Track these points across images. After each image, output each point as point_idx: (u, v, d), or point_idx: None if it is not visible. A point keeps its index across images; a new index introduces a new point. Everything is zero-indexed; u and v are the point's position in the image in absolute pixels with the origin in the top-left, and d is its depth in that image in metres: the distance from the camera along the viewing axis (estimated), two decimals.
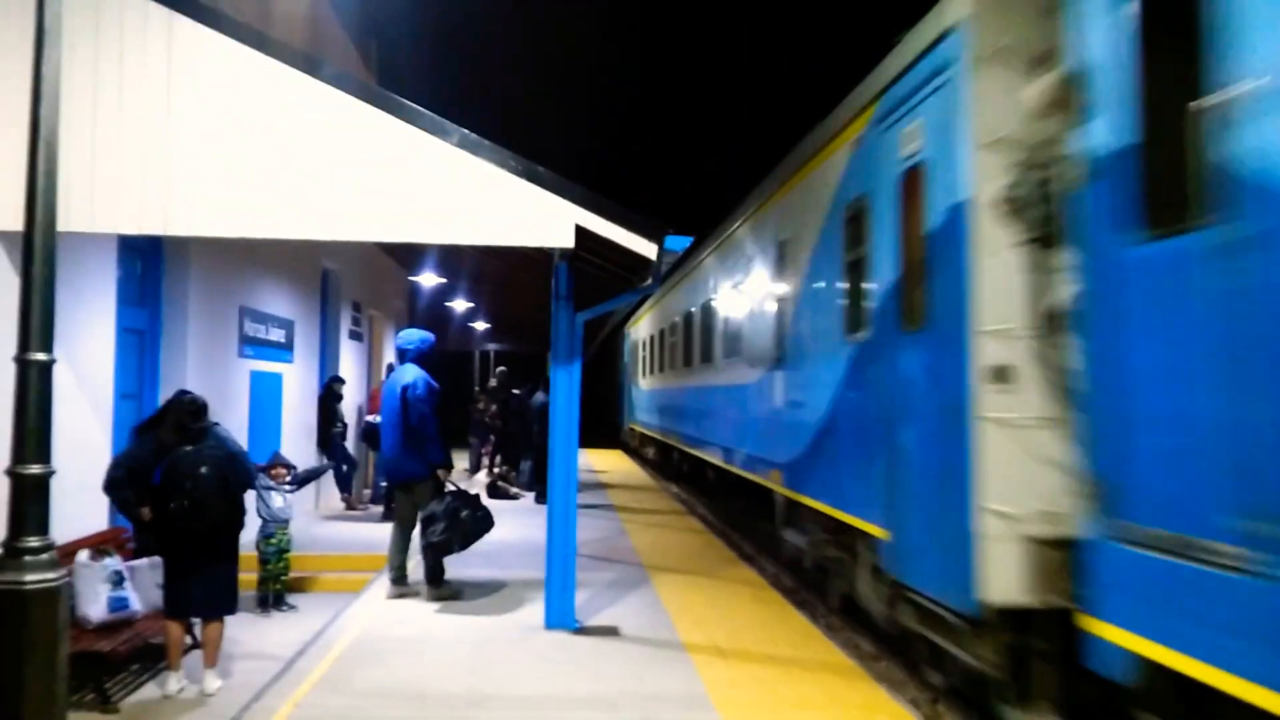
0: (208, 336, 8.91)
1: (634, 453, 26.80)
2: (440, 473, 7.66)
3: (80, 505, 6.47)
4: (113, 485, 6.23)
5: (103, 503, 6.68)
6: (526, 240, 6.17)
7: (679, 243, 14.94)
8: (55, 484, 4.79)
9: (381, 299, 16.58)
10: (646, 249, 6.26)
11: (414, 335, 7.98)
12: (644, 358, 19.87)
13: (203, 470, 5.80)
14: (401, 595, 7.64)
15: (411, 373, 7.80)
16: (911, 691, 6.41)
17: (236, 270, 9.65)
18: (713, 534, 11.50)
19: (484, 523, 7.50)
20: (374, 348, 16.52)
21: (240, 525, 6.21)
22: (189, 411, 5.99)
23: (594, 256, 7.26)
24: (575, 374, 6.80)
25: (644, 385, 19.70)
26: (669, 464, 18.33)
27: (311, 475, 8.39)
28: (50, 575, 4.64)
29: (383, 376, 15.69)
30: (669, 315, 16.05)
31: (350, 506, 12.81)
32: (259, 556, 8.03)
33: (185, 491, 5.74)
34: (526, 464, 15.68)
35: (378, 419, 12.07)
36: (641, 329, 20.60)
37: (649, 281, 6.84)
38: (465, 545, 7.53)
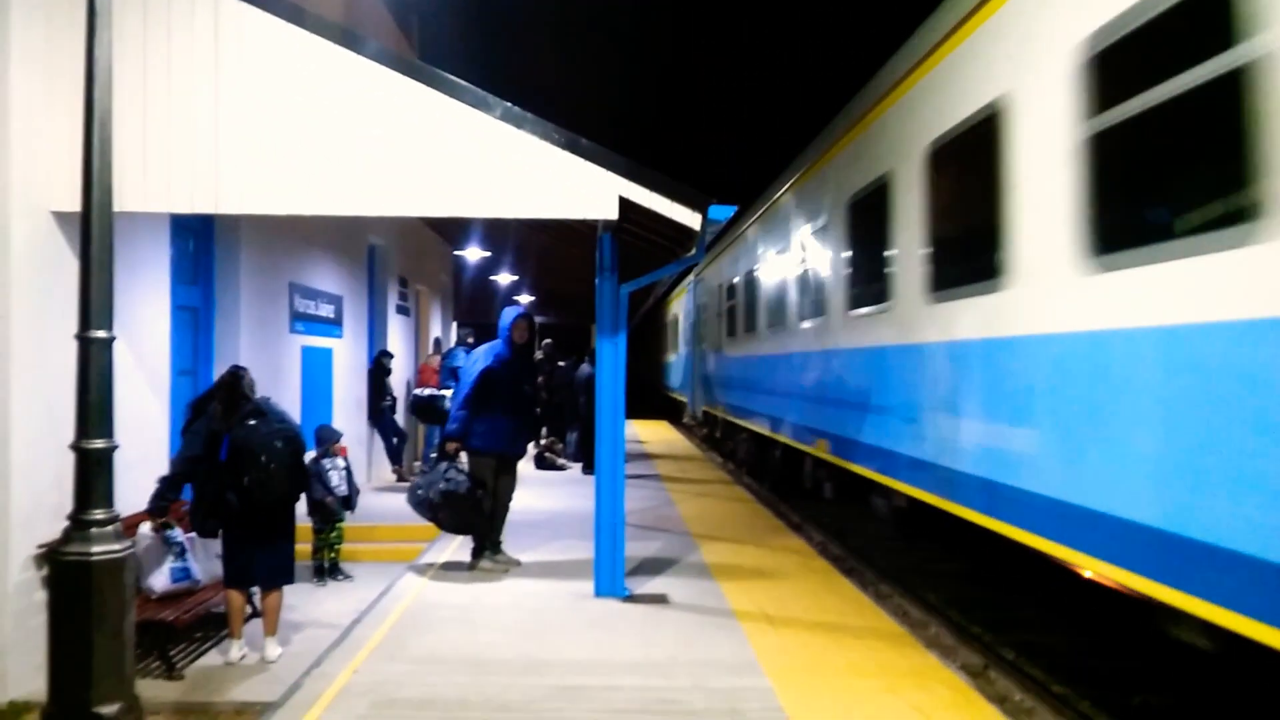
0: (259, 313, 9.01)
1: (685, 427, 26.80)
2: (449, 443, 7.67)
3: (142, 478, 6.59)
4: (174, 482, 6.18)
5: (163, 473, 6.79)
6: (570, 212, 6.14)
7: (722, 212, 14.93)
8: (118, 458, 4.90)
9: (427, 274, 16.66)
10: (690, 219, 6.20)
11: (504, 313, 8.00)
12: (744, 308, 12.68)
13: (278, 445, 5.91)
14: (491, 568, 7.65)
15: (478, 349, 7.93)
16: (962, 657, 6.37)
17: (286, 247, 9.73)
18: (759, 503, 11.48)
19: (453, 506, 7.40)
20: (421, 322, 16.62)
21: (299, 498, 6.32)
22: (241, 391, 6.07)
23: (638, 228, 7.21)
24: (620, 345, 6.78)
25: (741, 351, 12.87)
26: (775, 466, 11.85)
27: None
28: (116, 547, 4.76)
29: (430, 350, 15.83)
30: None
31: (401, 478, 12.96)
32: (313, 526, 8.14)
33: (260, 466, 5.83)
34: (572, 435, 15.75)
35: (426, 392, 12.23)
36: (733, 265, 13.88)
37: (693, 251, 6.78)
38: (428, 512, 7.52)
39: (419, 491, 7.56)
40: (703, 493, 12.30)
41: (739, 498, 11.92)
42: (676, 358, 24.58)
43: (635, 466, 14.72)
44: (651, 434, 22.74)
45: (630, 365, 8.16)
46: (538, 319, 29.72)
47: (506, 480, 7.95)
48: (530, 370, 7.98)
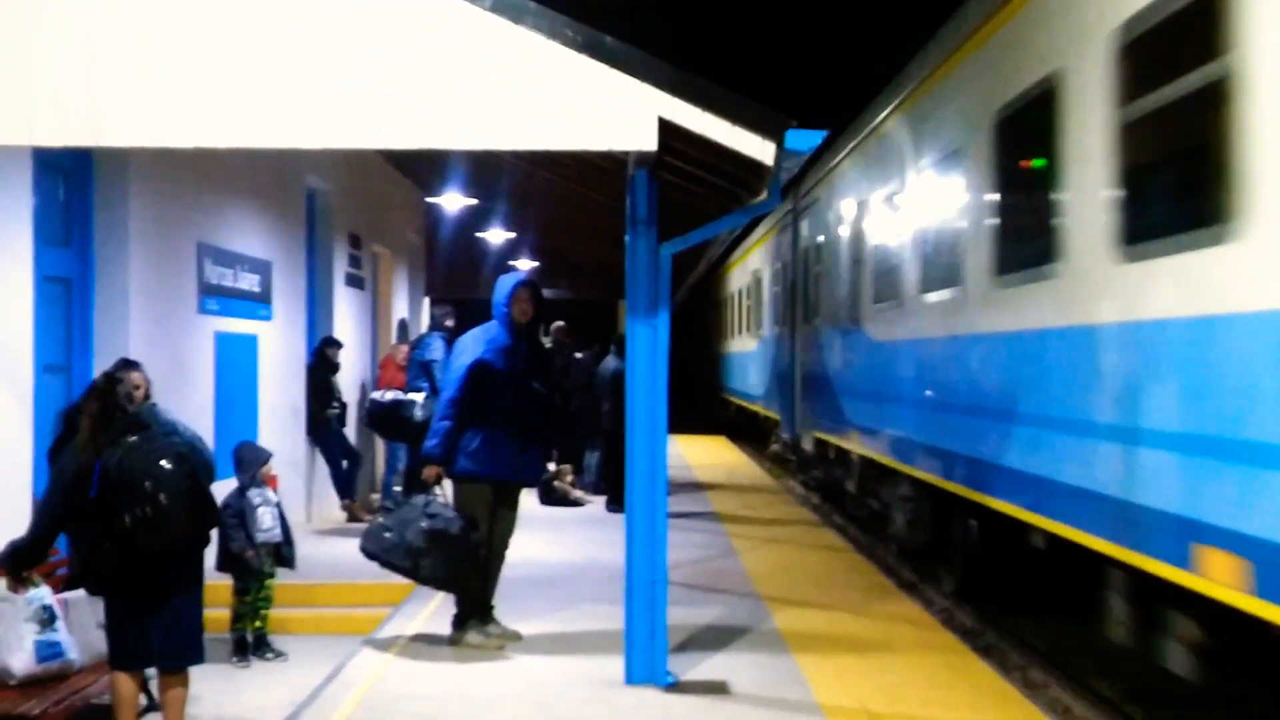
0: (157, 286, 8.94)
1: (734, 431, 26.75)
2: (427, 468, 7.66)
3: None
4: (39, 539, 6.01)
5: (25, 513, 6.70)
6: (590, 142, 6.06)
7: (804, 140, 14.59)
8: None
9: (389, 230, 16.63)
10: (760, 150, 6.11)
11: (499, 283, 7.94)
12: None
13: (166, 466, 5.78)
14: (482, 644, 7.62)
15: (467, 335, 7.90)
16: None
17: (192, 195, 9.66)
18: (857, 552, 11.37)
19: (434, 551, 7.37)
20: (380, 298, 16.60)
21: (208, 540, 6.19)
22: (116, 400, 5.95)
23: (685, 163, 7.10)
24: (661, 330, 6.69)
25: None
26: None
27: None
28: None
29: (394, 338, 15.77)
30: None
31: (354, 517, 12.89)
32: (233, 586, 8.07)
33: (143, 498, 5.71)
34: (593, 456, 15.64)
35: (388, 396, 12.13)
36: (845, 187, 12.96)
37: (764, 196, 6.66)
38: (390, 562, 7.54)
39: (387, 534, 7.54)
40: (776, 537, 12.16)
41: (829, 545, 11.78)
42: (753, 348, 22.89)
43: (682, 501, 14.63)
44: (703, 454, 22.70)
45: (674, 357, 7.67)
46: (544, 293, 29.84)
47: (505, 518, 7.87)
48: (540, 360, 7.96)
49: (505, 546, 7.89)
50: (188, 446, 5.98)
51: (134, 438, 5.86)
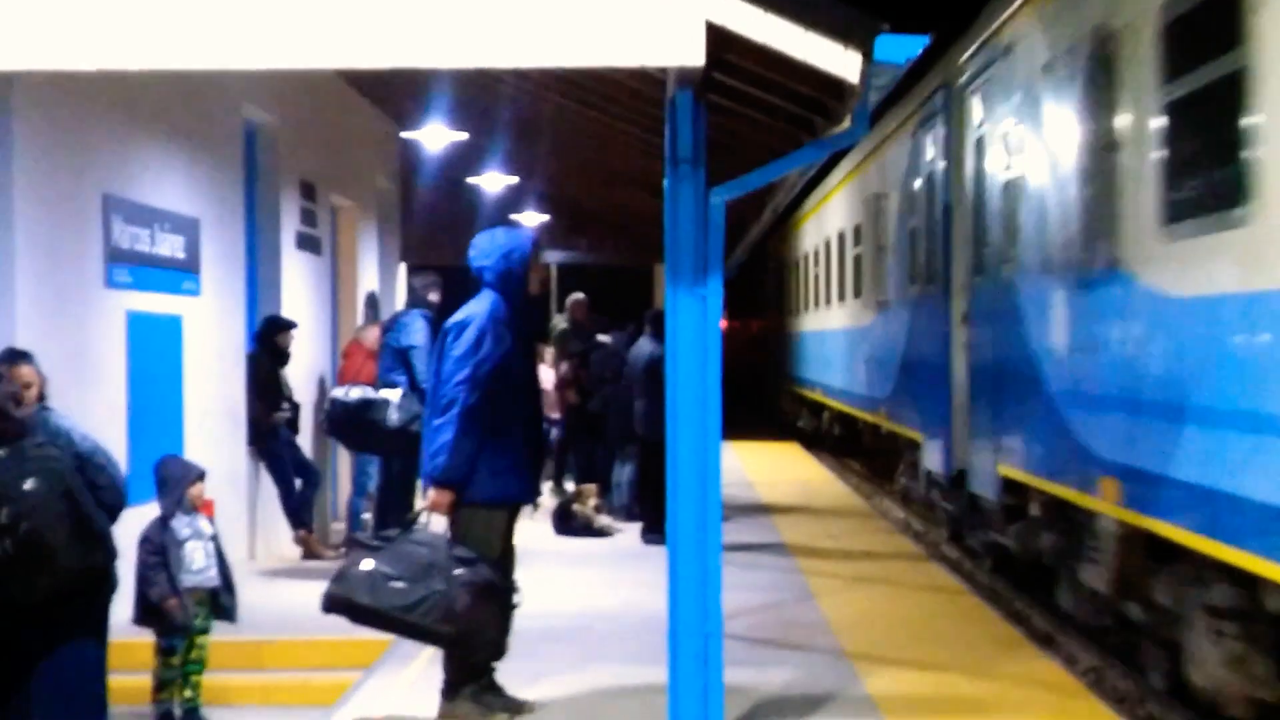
0: (50, 252, 9.08)
1: (810, 438, 26.56)
2: (433, 494, 7.72)
3: None
4: None
5: None
6: (617, 56, 6.09)
7: (898, 49, 14.55)
8: None
9: (353, 176, 16.78)
10: (842, 63, 6.12)
11: (492, 241, 8.05)
12: None
13: (27, 486, 5.89)
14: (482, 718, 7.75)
15: (469, 308, 7.96)
16: None
17: (96, 135, 9.78)
18: (974, 594, 11.39)
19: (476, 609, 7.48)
20: (342, 264, 16.76)
21: (110, 583, 6.35)
22: (4, 394, 6.10)
23: (741, 83, 7.15)
24: (712, 302, 6.73)
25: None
26: None
27: None
28: None
29: (360, 317, 15.95)
30: None
31: (311, 551, 13.08)
32: (156, 645, 8.23)
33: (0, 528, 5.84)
34: (624, 470, 15.73)
35: (354, 394, 12.30)
36: None
37: (845, 125, 6.72)
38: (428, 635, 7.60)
39: (395, 584, 7.42)
40: (866, 575, 12.14)
41: (935, 584, 11.81)
42: (859, 322, 20.85)
43: (741, 528, 14.66)
44: (769, 466, 22.67)
45: (728, 339, 7.49)
46: (557, 256, 29.87)
47: (511, 552, 8.03)
48: (532, 345, 8.12)
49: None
50: (70, 459, 6.10)
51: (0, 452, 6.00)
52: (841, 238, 22.93)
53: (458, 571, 7.41)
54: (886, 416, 18.29)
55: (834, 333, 23.86)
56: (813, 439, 27.37)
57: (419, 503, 8.13)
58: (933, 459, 14.86)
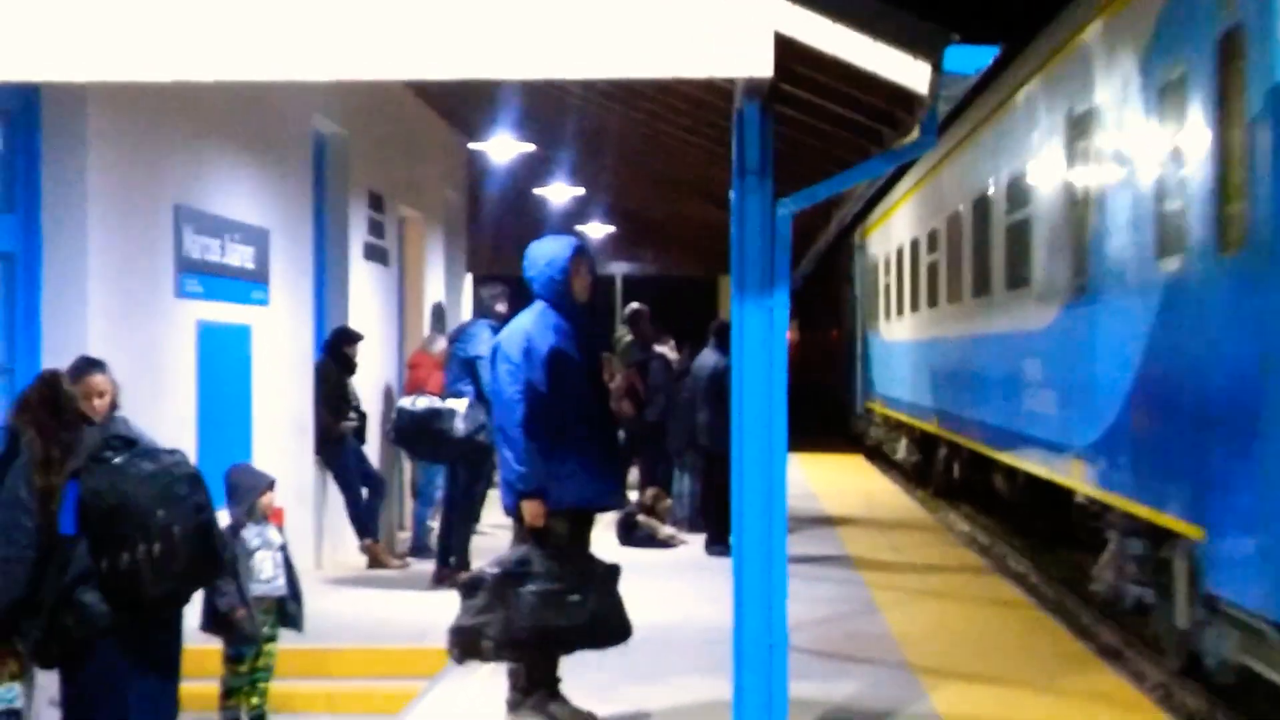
0: (123, 262, 9.14)
1: (878, 454, 26.32)
2: (527, 505, 7.78)
3: None
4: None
5: None
6: (684, 68, 6.09)
7: (967, 59, 14.45)
8: None
9: (421, 187, 16.85)
10: (911, 74, 6.10)
11: (537, 251, 8.10)
12: None
13: (182, 493, 6.03)
14: None
15: (517, 321, 8.04)
16: None
17: (168, 146, 9.85)
18: (1040, 608, 11.31)
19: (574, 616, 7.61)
20: (410, 274, 16.81)
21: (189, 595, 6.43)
22: (62, 403, 6.14)
23: (809, 93, 7.12)
24: (779, 313, 6.72)
25: None
26: None
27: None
28: None
29: (427, 327, 16.00)
30: None
31: (377, 560, 13.12)
32: (224, 653, 8.27)
33: (154, 532, 5.92)
34: (686, 481, 15.71)
35: (421, 404, 12.33)
36: None
37: (915, 135, 6.70)
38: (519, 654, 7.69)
39: (573, 597, 7.64)
40: (932, 588, 12.16)
41: (1001, 598, 11.74)
42: (1027, 325, 13.90)
43: (805, 540, 14.64)
44: (832, 478, 22.63)
45: (795, 353, 7.19)
46: (621, 268, 29.88)
47: (576, 553, 8.08)
48: (597, 351, 8.18)
49: None
50: (194, 468, 6.22)
51: (119, 458, 6.06)
52: (947, 229, 19.16)
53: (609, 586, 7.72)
54: (1094, 480, 11.44)
55: (936, 345, 20.13)
56: (876, 452, 27.08)
57: (485, 514, 8.17)
58: (1236, 580, 8.20)
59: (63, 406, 6.19)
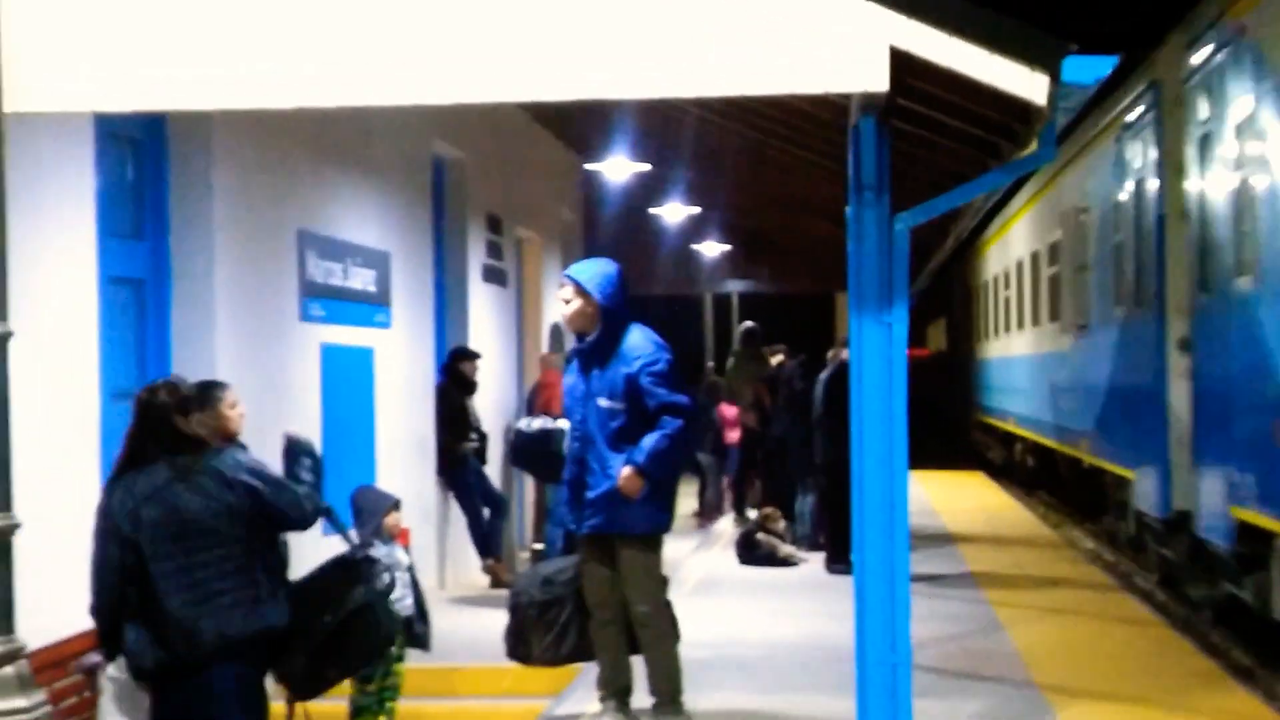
0: (249, 287, 9.27)
1: (1001, 471, 26.09)
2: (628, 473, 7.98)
3: (67, 579, 6.69)
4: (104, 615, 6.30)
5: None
6: (800, 84, 6.11)
7: (1085, 70, 14.27)
8: (20, 544, 5.04)
9: (537, 208, 16.93)
10: (1028, 86, 6.05)
11: (592, 268, 8.12)
12: None
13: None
14: None
15: (649, 343, 8.03)
16: None
17: (290, 172, 9.98)
18: (1169, 626, 11.14)
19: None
20: (527, 295, 16.89)
21: None
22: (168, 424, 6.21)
23: (925, 107, 7.07)
24: (898, 329, 6.68)
25: None
26: None
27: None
28: (22, 703, 4.92)
29: (545, 346, 16.05)
30: None
31: (499, 579, 13.14)
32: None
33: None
34: (807, 499, 15.63)
35: (535, 424, 12.31)
36: None
37: (1033, 148, 6.63)
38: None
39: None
40: (1057, 606, 12.01)
41: (1128, 615, 11.60)
42: (1055, 349, 17.95)
43: (927, 558, 14.47)
44: (952, 495, 22.41)
45: (914, 369, 7.01)
46: (737, 286, 29.82)
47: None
48: None
49: None
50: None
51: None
52: (1035, 258, 20.72)
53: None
54: (1089, 450, 16.27)
55: (1024, 359, 22.39)
56: (1002, 470, 26.90)
57: None
58: (1146, 498, 13.17)
59: (160, 421, 6.19)
